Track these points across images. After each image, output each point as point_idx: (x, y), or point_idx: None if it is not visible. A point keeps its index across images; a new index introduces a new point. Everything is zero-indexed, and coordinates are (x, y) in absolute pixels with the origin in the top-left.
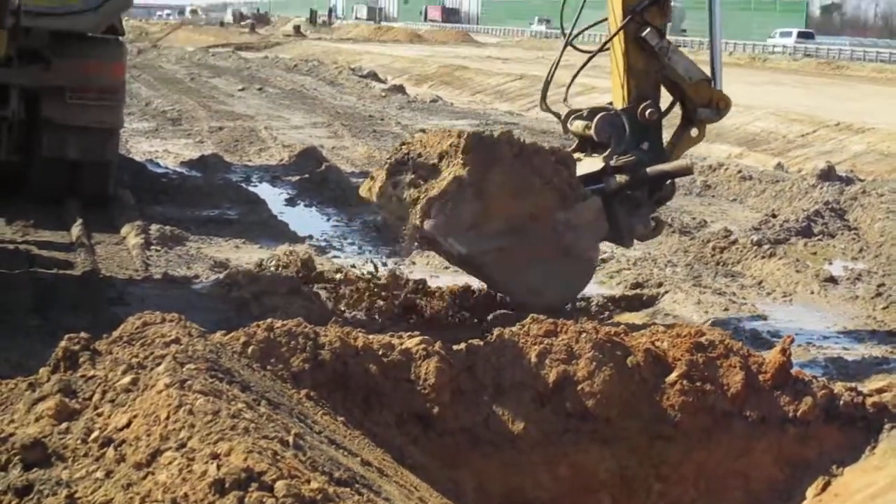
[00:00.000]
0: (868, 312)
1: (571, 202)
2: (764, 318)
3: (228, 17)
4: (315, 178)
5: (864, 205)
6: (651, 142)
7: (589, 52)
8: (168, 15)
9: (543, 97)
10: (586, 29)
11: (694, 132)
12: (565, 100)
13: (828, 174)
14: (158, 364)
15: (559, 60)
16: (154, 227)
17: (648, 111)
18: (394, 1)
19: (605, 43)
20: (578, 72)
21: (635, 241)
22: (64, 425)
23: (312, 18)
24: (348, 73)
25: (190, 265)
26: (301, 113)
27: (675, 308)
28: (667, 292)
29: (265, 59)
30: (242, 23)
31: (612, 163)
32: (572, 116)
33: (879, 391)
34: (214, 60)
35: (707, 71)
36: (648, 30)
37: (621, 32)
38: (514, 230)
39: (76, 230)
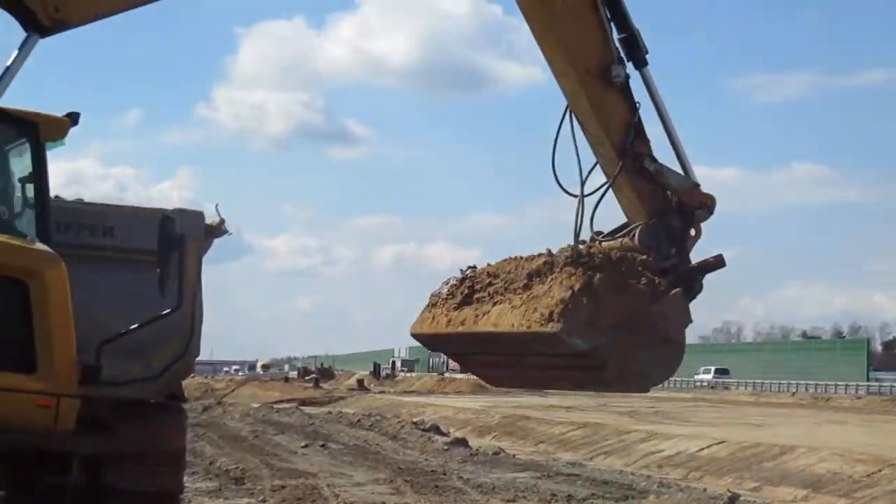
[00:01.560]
0: None
1: (660, 296)
2: None
3: (293, 373)
4: None
5: None
6: (678, 247)
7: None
8: (237, 370)
9: (576, 240)
10: (592, 189)
11: (693, 232)
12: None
13: None
14: None
15: (581, 213)
16: None
17: (674, 221)
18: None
19: (610, 182)
20: (594, 212)
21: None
22: None
23: (376, 371)
24: (410, 427)
25: None
26: (363, 469)
27: None
28: None
29: (329, 415)
30: (307, 377)
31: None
32: (598, 239)
33: None
34: (278, 416)
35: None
36: (645, 158)
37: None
38: (620, 324)
39: None
